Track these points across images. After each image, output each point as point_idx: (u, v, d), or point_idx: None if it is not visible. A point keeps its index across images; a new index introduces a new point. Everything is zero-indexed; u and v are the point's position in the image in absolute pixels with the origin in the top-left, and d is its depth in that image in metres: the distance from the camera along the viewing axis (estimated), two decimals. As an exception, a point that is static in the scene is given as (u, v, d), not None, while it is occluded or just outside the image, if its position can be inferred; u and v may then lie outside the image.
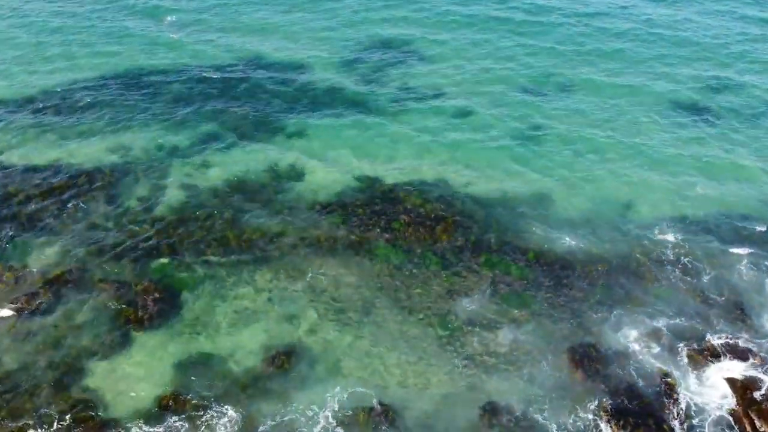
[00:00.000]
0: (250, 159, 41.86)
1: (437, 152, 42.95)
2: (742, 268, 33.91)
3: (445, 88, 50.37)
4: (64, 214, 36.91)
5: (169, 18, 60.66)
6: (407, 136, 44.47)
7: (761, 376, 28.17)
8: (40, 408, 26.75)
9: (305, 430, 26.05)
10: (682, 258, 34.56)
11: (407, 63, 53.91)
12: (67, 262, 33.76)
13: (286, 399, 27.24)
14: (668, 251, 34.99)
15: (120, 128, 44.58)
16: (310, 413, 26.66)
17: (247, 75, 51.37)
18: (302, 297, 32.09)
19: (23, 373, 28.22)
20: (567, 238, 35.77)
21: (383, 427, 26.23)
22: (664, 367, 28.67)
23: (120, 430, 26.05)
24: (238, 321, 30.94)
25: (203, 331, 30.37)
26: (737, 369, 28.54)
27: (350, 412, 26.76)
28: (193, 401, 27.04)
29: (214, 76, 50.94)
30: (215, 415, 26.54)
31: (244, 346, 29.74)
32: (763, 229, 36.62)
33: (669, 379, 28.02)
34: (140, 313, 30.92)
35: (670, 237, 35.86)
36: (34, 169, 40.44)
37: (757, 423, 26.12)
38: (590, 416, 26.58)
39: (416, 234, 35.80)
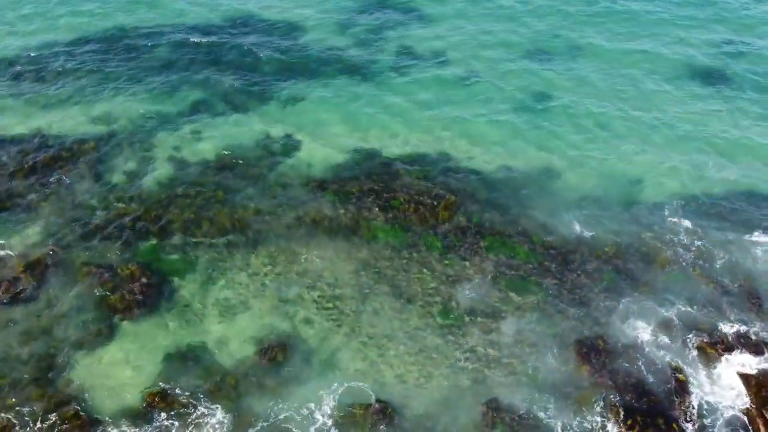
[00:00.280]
0: (241, 131, 39.64)
1: (436, 125, 40.68)
2: (758, 253, 32.25)
3: (445, 52, 47.77)
4: (47, 190, 34.97)
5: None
6: (405, 107, 42.09)
7: (776, 371, 26.96)
8: (22, 404, 25.53)
9: (299, 430, 24.94)
10: (695, 242, 32.92)
11: (405, 24, 51.03)
12: (49, 243, 32.07)
13: (279, 396, 26.02)
14: (680, 235, 33.33)
15: (104, 97, 42.08)
16: (305, 411, 25.50)
17: (235, 38, 48.45)
18: (297, 283, 30.57)
19: (4, 366, 26.88)
20: (573, 220, 34.10)
21: (381, 426, 25.11)
22: (675, 361, 27.44)
23: (106, 428, 24.91)
24: (230, 309, 29.49)
25: (193, 320, 28.97)
26: (751, 363, 27.32)
27: (347, 410, 25.60)
28: (182, 398, 25.80)
29: (201, 40, 47.99)
30: (205, 412, 25.36)
31: (236, 336, 28.34)
32: (781, 211, 34.94)
33: (679, 375, 26.81)
34: (127, 299, 29.47)
35: (681, 219, 34.11)
36: (11, 141, 38.21)
37: (772, 423, 25.00)
38: (597, 418, 25.44)
39: (416, 213, 34.10)
